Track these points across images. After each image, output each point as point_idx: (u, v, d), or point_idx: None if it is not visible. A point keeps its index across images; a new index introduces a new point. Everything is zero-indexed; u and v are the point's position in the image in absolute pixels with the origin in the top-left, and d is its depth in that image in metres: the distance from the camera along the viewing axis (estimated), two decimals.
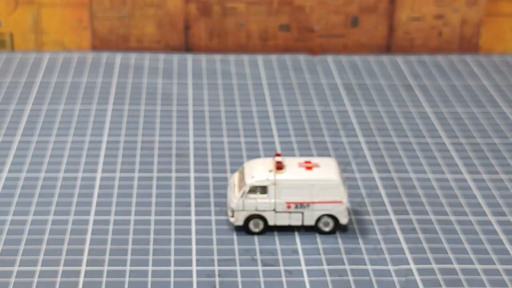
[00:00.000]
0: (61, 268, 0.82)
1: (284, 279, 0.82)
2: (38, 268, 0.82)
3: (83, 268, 0.82)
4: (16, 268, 0.82)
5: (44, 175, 0.99)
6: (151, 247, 0.86)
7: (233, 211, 0.88)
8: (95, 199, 0.94)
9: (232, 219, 0.88)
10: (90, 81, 1.25)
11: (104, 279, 0.81)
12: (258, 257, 0.85)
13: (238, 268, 0.83)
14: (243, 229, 0.88)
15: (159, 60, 1.34)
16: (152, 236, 0.88)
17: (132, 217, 0.91)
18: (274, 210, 0.87)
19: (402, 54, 1.40)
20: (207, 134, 1.10)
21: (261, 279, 0.82)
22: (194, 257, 0.85)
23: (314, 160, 0.89)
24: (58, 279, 0.80)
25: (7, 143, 1.06)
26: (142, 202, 0.94)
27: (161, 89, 1.24)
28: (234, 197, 0.88)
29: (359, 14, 1.38)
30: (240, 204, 0.87)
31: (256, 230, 0.88)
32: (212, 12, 1.37)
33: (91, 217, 0.91)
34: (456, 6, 1.38)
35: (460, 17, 1.39)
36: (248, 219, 0.88)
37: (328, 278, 0.82)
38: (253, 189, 0.87)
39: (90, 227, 0.89)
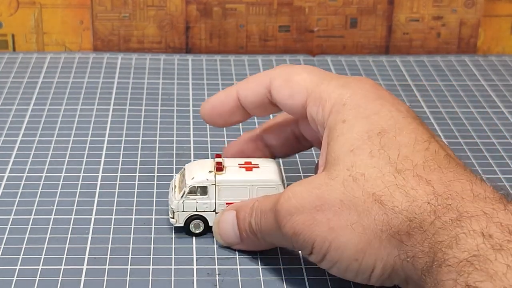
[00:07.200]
0: (62, 266, 0.83)
1: (283, 277, 0.82)
2: (40, 266, 0.83)
3: (85, 266, 0.83)
4: (18, 267, 0.82)
5: (46, 175, 0.99)
6: (152, 245, 0.86)
7: (173, 212, 0.87)
8: (96, 198, 0.95)
9: (172, 220, 0.88)
10: (91, 81, 1.26)
11: (105, 277, 0.81)
12: (258, 255, 0.85)
13: (238, 266, 0.84)
14: (184, 230, 0.88)
15: (160, 60, 1.35)
16: (153, 235, 0.88)
17: (133, 216, 0.92)
18: (214, 210, 0.87)
19: (400, 54, 1.40)
20: (207, 134, 1.10)
21: (261, 277, 0.82)
22: (194, 256, 0.85)
23: (255, 161, 0.89)
24: (60, 278, 0.81)
25: (10, 143, 1.07)
26: (143, 201, 0.94)
27: (162, 89, 1.24)
28: (175, 198, 0.87)
29: (358, 15, 1.38)
30: (181, 205, 0.87)
31: (197, 231, 0.88)
32: (213, 13, 1.37)
33: (93, 216, 0.91)
34: (454, 7, 1.39)
35: (459, 18, 1.39)
36: (188, 220, 0.87)
37: (328, 277, 0.82)
38: (193, 190, 0.86)
39: (91, 226, 0.90)
